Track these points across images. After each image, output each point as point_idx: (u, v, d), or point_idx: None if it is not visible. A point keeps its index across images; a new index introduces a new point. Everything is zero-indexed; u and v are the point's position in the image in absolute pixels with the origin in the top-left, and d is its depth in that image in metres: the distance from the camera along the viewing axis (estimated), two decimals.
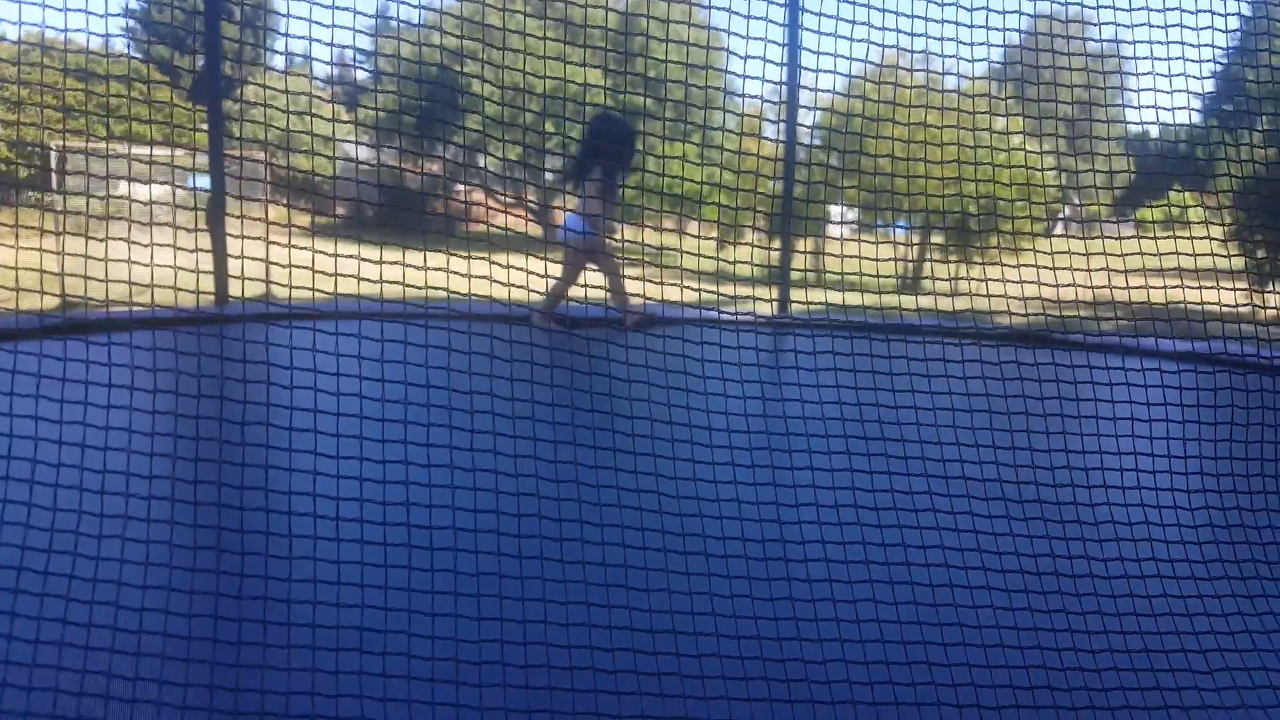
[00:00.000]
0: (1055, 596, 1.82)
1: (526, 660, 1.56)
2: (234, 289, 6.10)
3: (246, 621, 1.58)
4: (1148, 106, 3.12)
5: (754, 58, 2.31)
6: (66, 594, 1.55)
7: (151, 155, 2.87)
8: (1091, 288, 2.81)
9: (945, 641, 1.65)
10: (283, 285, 2.02)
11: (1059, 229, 10.37)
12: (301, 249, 2.06)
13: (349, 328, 2.01)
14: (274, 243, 2.26)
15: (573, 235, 5.56)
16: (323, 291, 1.96)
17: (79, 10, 2.19)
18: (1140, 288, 3.08)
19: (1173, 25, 2.79)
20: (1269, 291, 6.86)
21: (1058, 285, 2.70)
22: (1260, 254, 7.56)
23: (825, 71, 2.41)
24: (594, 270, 5.71)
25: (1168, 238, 2.92)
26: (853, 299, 2.80)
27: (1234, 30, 3.17)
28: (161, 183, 2.60)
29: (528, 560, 1.73)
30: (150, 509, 1.71)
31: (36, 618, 1.52)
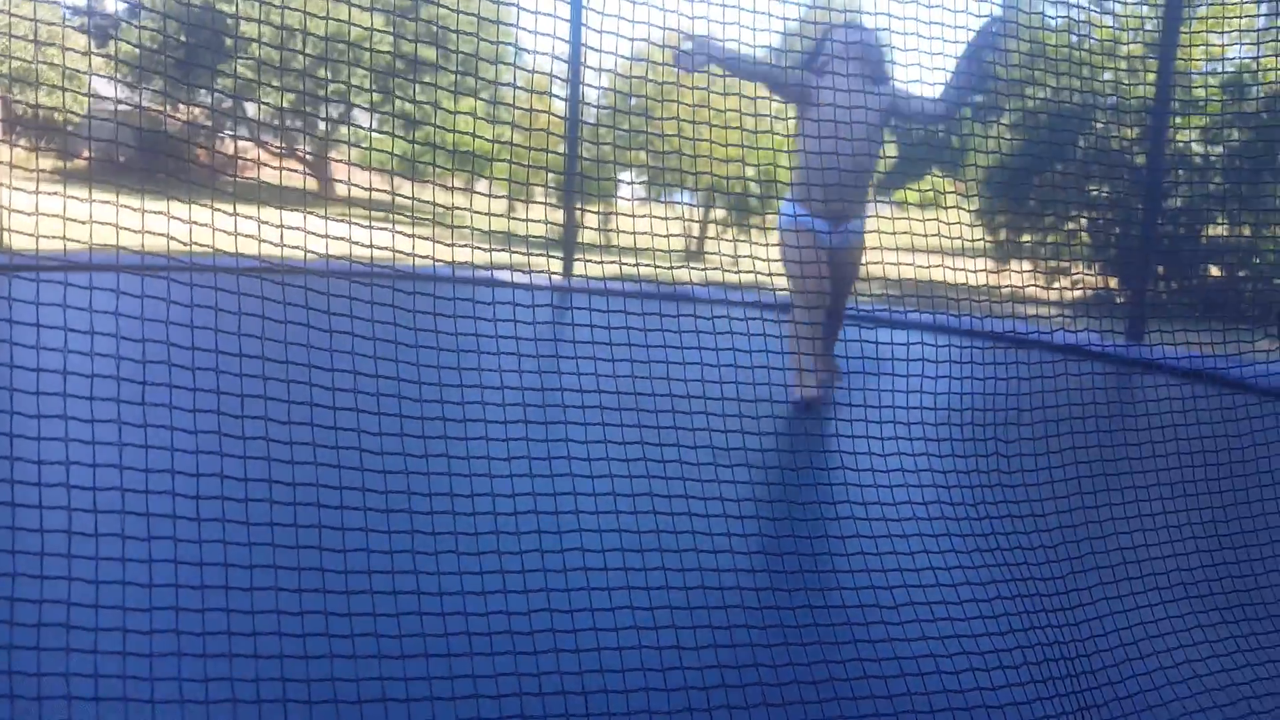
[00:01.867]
0: (788, 539, 1.95)
1: (252, 628, 1.50)
2: None
3: None
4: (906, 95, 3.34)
5: (540, 13, 2.28)
6: None
7: None
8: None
9: (678, 585, 1.74)
10: (19, 234, 1.81)
11: None
12: (39, 194, 1.85)
13: (83, 280, 1.83)
14: (10, 187, 2.03)
15: (785, 221, 3.64)
16: (52, 239, 1.78)
17: None
18: (893, 264, 3.32)
19: (933, 21, 2.99)
20: (1010, 270, 7.57)
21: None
22: (1002, 234, 8.34)
23: (609, 34, 2.41)
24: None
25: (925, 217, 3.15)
26: (637, 266, 2.85)
27: (986, 27, 3.44)
28: None
29: (304, 530, 1.66)
30: None
31: None
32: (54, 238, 1.74)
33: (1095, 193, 7.14)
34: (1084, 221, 7.36)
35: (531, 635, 1.58)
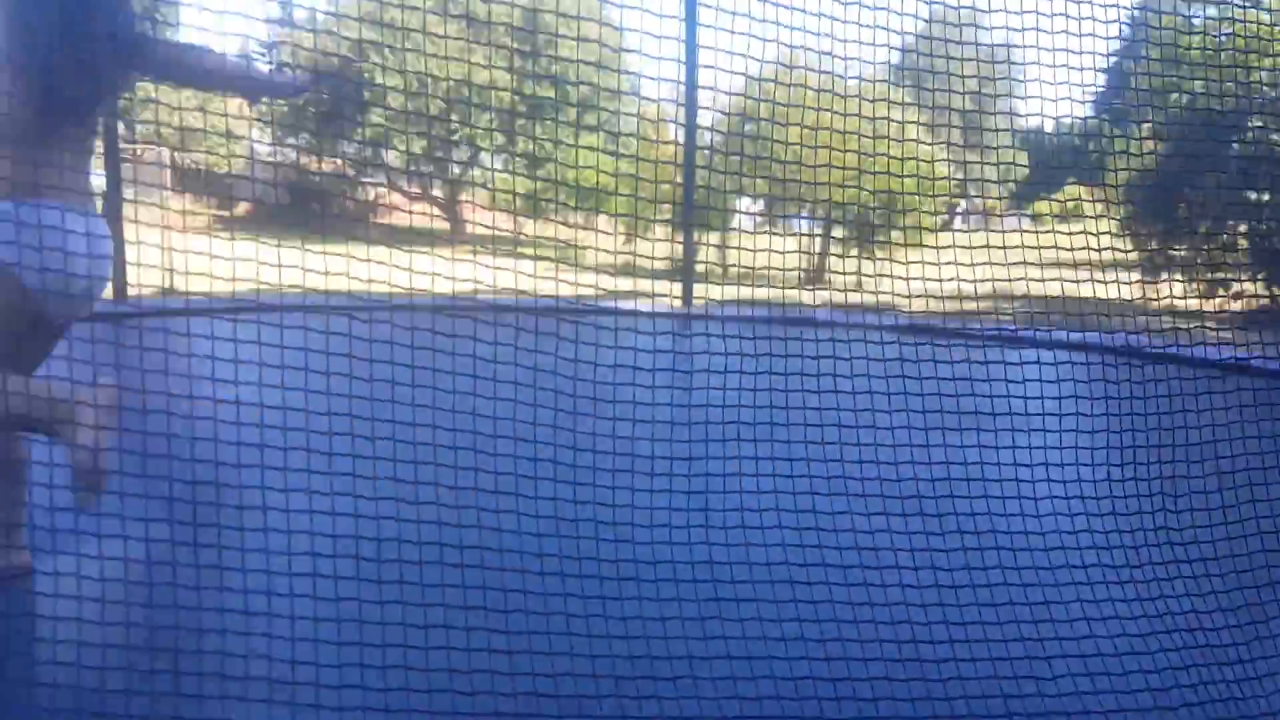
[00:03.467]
0: (926, 570, 1.84)
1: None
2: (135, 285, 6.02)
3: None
4: (1037, 97, 3.19)
5: (659, 58, 2.28)
6: None
7: None
8: (992, 280, 2.87)
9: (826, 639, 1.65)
10: (187, 280, 1.93)
11: (958, 223, 10.60)
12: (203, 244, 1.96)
13: (249, 322, 1.92)
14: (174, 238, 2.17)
15: None
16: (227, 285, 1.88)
17: None
18: (1037, 280, 3.16)
19: (1063, 17, 2.84)
20: (1160, 281, 7.15)
21: (958, 279, 2.75)
22: (1152, 245, 7.87)
23: (724, 70, 2.38)
24: None
25: (1055, 231, 2.99)
26: (758, 293, 2.80)
27: (1123, 25, 3.26)
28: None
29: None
30: None
31: None
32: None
33: (1255, 198, 6.65)
34: (1243, 229, 6.87)
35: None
